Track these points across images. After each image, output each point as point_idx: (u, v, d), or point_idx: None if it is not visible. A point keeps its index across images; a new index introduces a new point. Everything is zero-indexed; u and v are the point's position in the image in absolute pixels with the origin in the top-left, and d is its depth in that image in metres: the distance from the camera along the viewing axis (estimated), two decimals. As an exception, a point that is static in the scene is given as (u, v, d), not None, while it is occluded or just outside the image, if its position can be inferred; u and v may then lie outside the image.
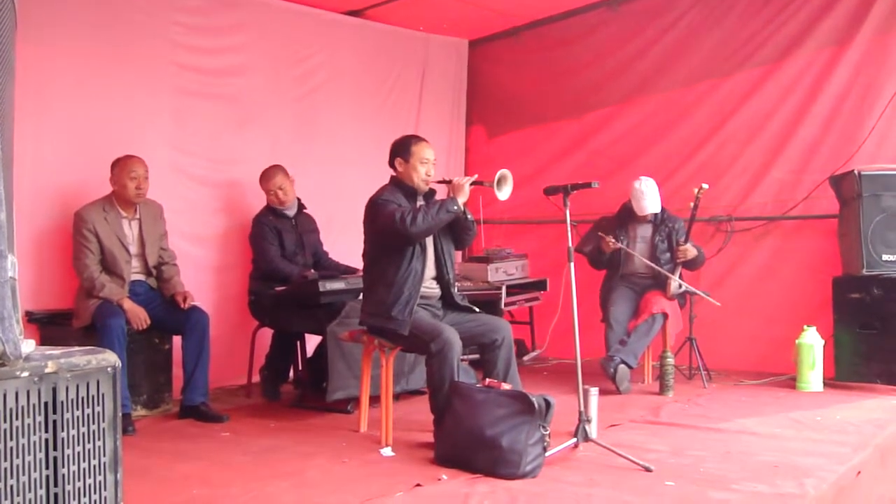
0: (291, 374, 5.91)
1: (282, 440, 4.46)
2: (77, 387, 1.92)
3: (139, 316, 4.84)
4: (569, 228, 4.23)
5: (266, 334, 5.73)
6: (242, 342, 5.72)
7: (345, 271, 5.65)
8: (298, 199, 5.78)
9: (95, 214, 4.89)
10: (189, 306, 5.04)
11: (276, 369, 5.75)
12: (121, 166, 4.93)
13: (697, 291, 5.68)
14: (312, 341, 5.58)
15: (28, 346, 1.90)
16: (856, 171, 5.60)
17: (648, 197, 5.90)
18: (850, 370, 5.58)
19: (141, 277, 5.09)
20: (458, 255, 6.13)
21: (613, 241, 5.81)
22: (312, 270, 5.54)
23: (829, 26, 6.11)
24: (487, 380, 4.14)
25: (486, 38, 7.79)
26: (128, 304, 4.83)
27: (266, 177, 5.65)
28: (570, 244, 4.24)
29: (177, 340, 5.14)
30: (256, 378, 5.75)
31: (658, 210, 5.97)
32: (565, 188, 4.24)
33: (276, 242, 5.59)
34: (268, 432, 4.68)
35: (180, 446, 4.36)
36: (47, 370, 1.87)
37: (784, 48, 6.29)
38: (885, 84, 5.90)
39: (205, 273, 5.85)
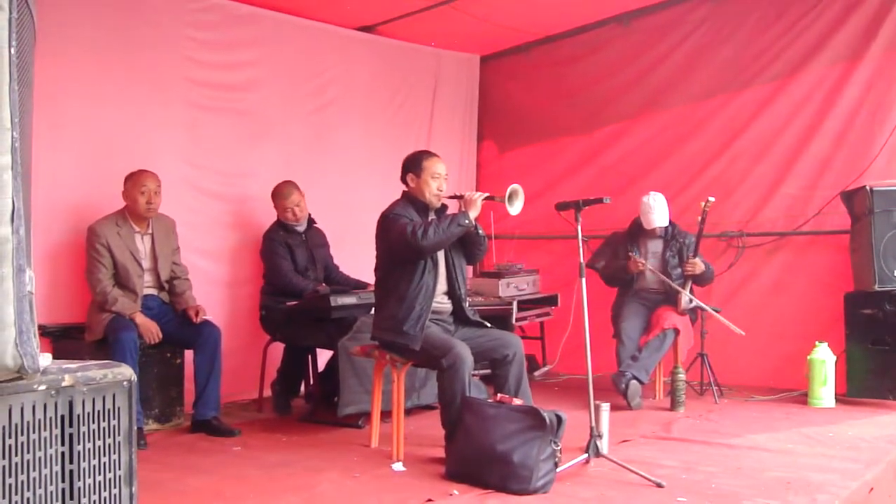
0: (303, 388, 5.91)
1: (293, 455, 4.47)
2: (93, 400, 1.94)
3: (151, 330, 4.86)
4: (580, 244, 4.24)
5: (277, 349, 5.74)
6: (254, 356, 5.73)
7: (356, 286, 5.67)
8: (308, 214, 5.80)
9: (108, 229, 4.92)
10: (201, 320, 5.06)
11: (288, 384, 5.76)
12: (133, 181, 4.96)
13: (707, 307, 5.67)
14: (324, 356, 5.59)
15: (45, 359, 1.92)
16: (867, 187, 5.58)
17: (656, 211, 5.91)
18: (862, 386, 5.55)
19: (153, 292, 5.12)
20: (470, 270, 6.12)
21: (643, 262, 5.82)
22: (324, 285, 5.56)
23: (839, 42, 6.10)
24: (499, 395, 4.14)
25: (498, 54, 7.82)
26: (140, 319, 4.85)
27: (281, 194, 5.67)
28: (582, 259, 4.25)
29: (189, 355, 5.15)
30: (268, 392, 5.76)
31: (666, 224, 5.98)
32: (577, 204, 4.24)
33: (289, 257, 5.60)
34: (279, 447, 4.69)
35: (192, 460, 4.38)
36: (64, 384, 1.88)
37: (795, 64, 6.29)
38: (897, 99, 5.91)
39: (217, 287, 5.87)
